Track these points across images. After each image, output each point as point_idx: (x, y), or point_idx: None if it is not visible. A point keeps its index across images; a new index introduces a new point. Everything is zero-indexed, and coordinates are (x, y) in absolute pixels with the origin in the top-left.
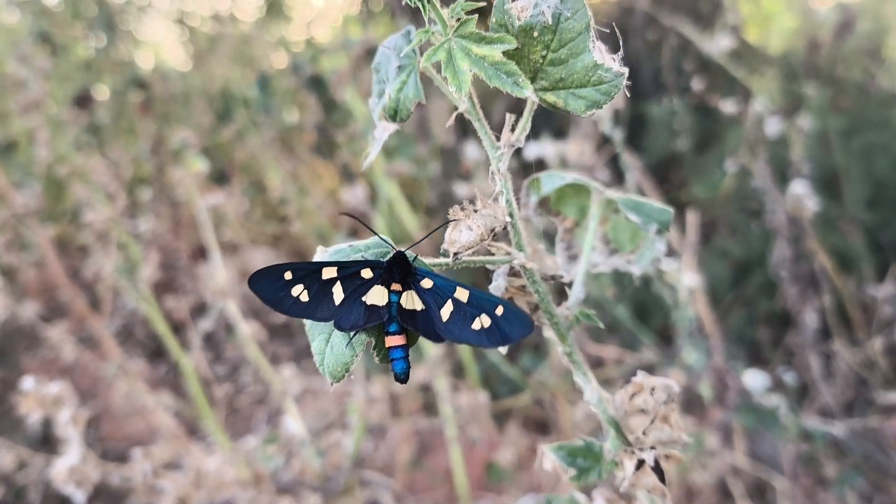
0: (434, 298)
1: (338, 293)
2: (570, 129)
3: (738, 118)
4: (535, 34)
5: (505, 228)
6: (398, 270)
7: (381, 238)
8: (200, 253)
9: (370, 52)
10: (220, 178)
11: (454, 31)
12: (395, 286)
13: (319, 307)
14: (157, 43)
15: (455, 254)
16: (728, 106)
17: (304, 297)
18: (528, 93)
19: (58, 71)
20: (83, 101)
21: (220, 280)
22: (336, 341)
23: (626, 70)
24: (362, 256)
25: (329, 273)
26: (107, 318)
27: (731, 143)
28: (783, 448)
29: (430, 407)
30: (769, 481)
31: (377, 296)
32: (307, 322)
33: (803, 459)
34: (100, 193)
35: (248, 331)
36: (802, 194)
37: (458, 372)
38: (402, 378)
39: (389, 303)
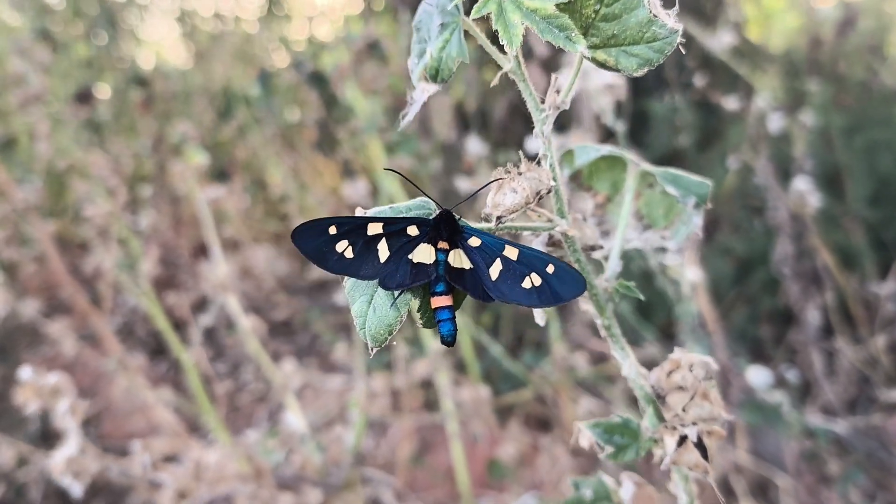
0: (482, 257)
1: (383, 250)
2: (572, 125)
3: (740, 115)
4: None
5: (549, 193)
6: (445, 228)
7: (426, 196)
8: (202, 250)
9: (371, 47)
10: (221, 175)
11: None
12: (442, 244)
13: (364, 264)
14: (159, 41)
15: (499, 217)
16: (730, 102)
17: (349, 254)
18: (581, 48)
19: (59, 68)
20: (84, 97)
21: (221, 274)
22: (379, 302)
23: (680, 26)
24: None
25: (374, 229)
26: (108, 315)
27: (734, 139)
28: (786, 445)
29: (431, 404)
30: (772, 479)
31: (424, 254)
32: (347, 284)
33: (806, 457)
34: (100, 188)
35: (248, 325)
36: (805, 191)
37: (460, 368)
38: (450, 340)
39: (437, 261)
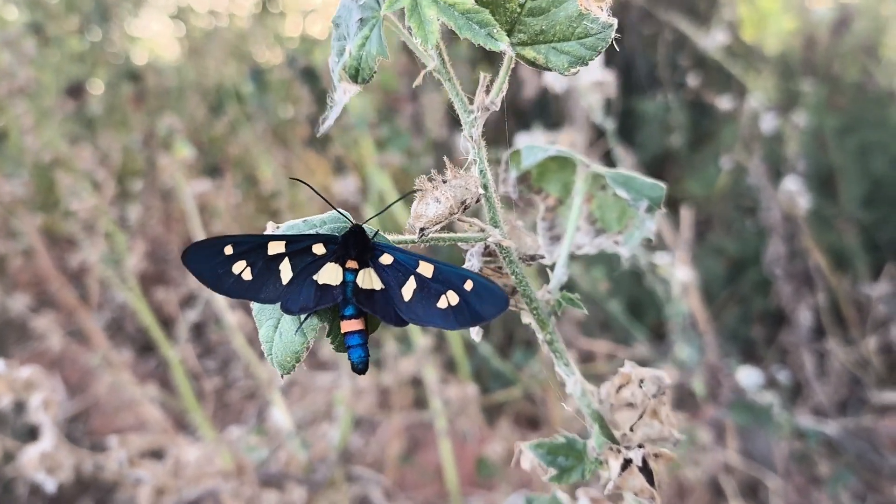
0: (395, 276)
1: (286, 271)
2: (565, 122)
3: (733, 115)
4: None
5: (478, 202)
6: (354, 245)
7: (338, 212)
8: None
9: None
10: (213, 171)
11: None
12: (351, 263)
13: (264, 287)
14: (152, 37)
15: (421, 229)
16: (724, 102)
17: (247, 276)
18: (504, 46)
19: (51, 63)
20: (76, 91)
21: None
22: (285, 327)
23: (614, 21)
24: (316, 232)
25: (276, 248)
26: (95, 311)
27: (727, 139)
28: (776, 446)
29: (421, 402)
30: (762, 480)
31: (330, 274)
32: (255, 307)
33: (796, 458)
34: (86, 182)
35: (234, 320)
36: (797, 191)
37: (449, 367)
38: (361, 368)
39: (344, 282)
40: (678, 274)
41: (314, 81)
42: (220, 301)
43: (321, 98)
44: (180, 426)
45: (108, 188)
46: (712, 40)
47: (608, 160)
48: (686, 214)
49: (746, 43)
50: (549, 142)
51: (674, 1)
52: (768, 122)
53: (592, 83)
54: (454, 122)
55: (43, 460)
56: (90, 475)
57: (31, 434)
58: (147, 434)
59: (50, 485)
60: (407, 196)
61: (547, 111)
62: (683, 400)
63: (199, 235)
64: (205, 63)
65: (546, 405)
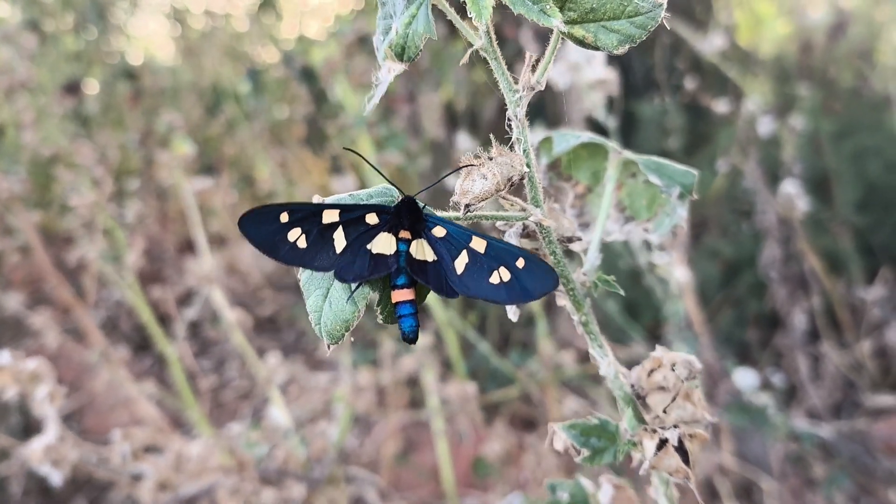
0: (447, 248)
1: (340, 240)
2: (562, 123)
3: (729, 118)
4: None
5: (522, 180)
6: (407, 216)
7: (389, 182)
8: (188, 246)
9: (362, 41)
10: (209, 170)
11: None
12: (404, 234)
13: (319, 255)
14: (149, 36)
15: (467, 205)
16: (720, 105)
17: (302, 243)
18: (557, 22)
19: (47, 61)
20: (72, 89)
21: (206, 267)
22: (335, 296)
23: (664, 0)
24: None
25: (330, 216)
26: (92, 309)
27: (723, 142)
28: (771, 448)
29: (417, 403)
30: (757, 481)
31: (384, 244)
32: (302, 276)
33: (791, 460)
34: (85, 178)
35: (233, 318)
36: (793, 195)
37: (446, 366)
38: (411, 337)
39: (398, 252)
40: (676, 273)
41: (312, 81)
42: (219, 298)
43: (319, 97)
44: (176, 424)
45: (106, 185)
46: (709, 44)
47: None
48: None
49: (743, 47)
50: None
51: (671, 4)
52: (764, 126)
53: (595, 81)
54: (451, 123)
55: (48, 453)
56: (84, 474)
57: (26, 432)
58: (142, 430)
59: (55, 478)
60: (454, 172)
61: (544, 108)
62: None
63: (199, 233)
64: (201, 63)
65: (544, 406)
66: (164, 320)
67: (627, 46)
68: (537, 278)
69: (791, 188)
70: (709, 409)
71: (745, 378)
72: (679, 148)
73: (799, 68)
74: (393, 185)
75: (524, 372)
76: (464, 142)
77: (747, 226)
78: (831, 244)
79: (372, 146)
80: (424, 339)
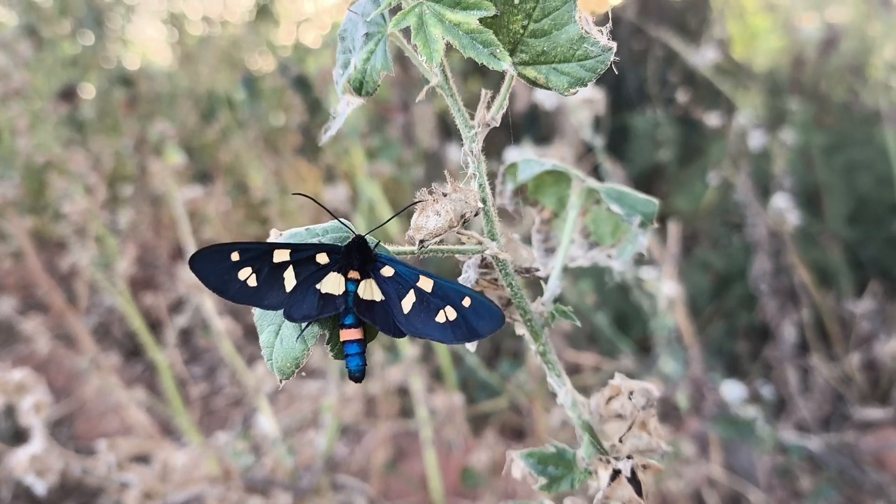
0: (395, 288)
1: (290, 279)
2: (555, 137)
3: (721, 131)
4: (516, 1)
5: (477, 215)
6: (357, 256)
7: (340, 222)
8: (181, 253)
9: None
10: (203, 177)
11: None
12: (353, 274)
13: (269, 293)
14: (145, 43)
15: (421, 241)
16: (712, 119)
17: (252, 282)
18: (507, 66)
19: (43, 66)
20: (68, 95)
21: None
22: (286, 333)
23: (614, 45)
24: (319, 241)
25: (281, 256)
26: (83, 315)
27: (715, 155)
28: (759, 460)
29: (407, 412)
30: (744, 493)
31: (333, 284)
32: (256, 312)
33: (779, 472)
34: (78, 185)
35: (222, 326)
36: (784, 208)
37: (436, 377)
38: (357, 376)
39: (346, 292)
40: (664, 288)
41: (307, 90)
42: (209, 307)
43: (313, 106)
44: (166, 431)
45: (99, 192)
46: (702, 57)
47: (597, 174)
48: (673, 229)
49: (735, 60)
50: (539, 156)
51: (664, 17)
52: (756, 140)
53: (582, 100)
54: (445, 132)
55: (33, 463)
56: (74, 480)
57: (17, 438)
58: (133, 439)
59: (39, 487)
60: (406, 209)
61: (537, 125)
62: (667, 413)
63: (189, 241)
64: (197, 69)
65: (532, 416)
66: (155, 327)
67: (578, 89)
68: (483, 318)
69: (782, 202)
70: (664, 437)
71: (732, 391)
72: (671, 160)
73: (791, 82)
74: (345, 224)
75: (513, 383)
76: (457, 153)
77: (738, 238)
78: (821, 257)
79: (365, 156)
80: (413, 349)
